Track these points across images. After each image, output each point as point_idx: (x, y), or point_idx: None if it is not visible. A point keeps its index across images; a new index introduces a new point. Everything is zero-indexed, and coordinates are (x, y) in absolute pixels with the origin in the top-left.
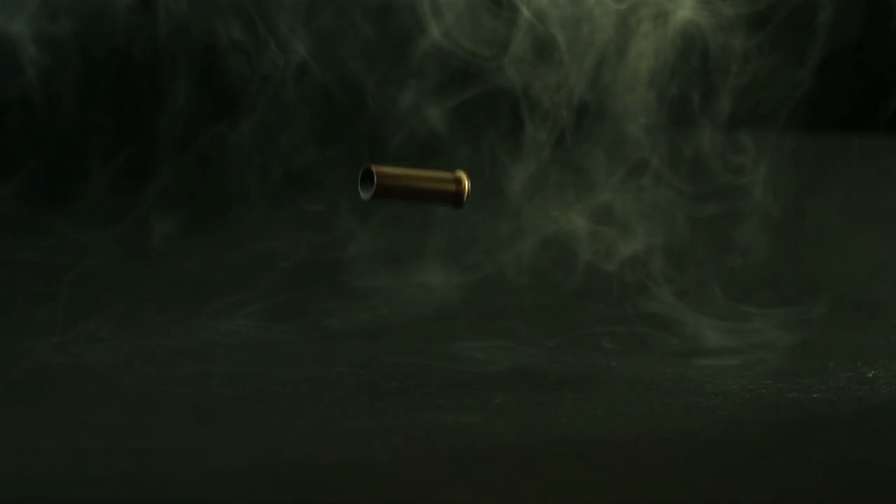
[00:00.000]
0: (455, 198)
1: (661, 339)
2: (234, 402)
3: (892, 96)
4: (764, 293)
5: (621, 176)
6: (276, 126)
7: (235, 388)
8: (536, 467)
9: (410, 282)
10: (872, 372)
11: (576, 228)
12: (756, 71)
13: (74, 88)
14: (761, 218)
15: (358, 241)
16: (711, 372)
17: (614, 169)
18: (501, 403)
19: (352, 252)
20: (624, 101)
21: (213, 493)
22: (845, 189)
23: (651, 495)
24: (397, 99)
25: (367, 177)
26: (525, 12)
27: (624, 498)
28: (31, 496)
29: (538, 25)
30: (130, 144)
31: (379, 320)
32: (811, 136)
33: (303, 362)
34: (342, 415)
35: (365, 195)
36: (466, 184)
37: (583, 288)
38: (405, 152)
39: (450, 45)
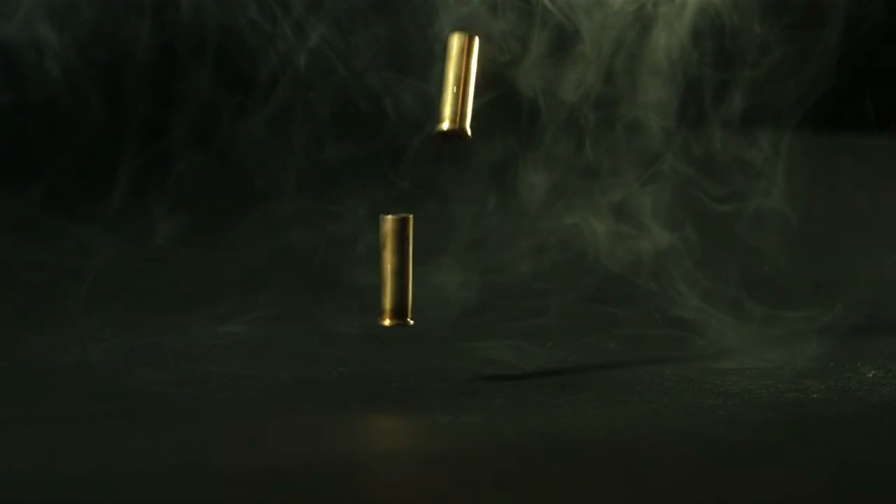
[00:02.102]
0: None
1: (671, 340)
2: (234, 403)
3: None
4: (766, 294)
5: (638, 176)
6: (285, 129)
7: (236, 389)
8: (536, 467)
9: (421, 282)
10: (872, 372)
11: (592, 229)
12: (773, 63)
13: (83, 91)
14: (769, 218)
15: (367, 241)
16: (731, 375)
17: (632, 169)
18: (501, 403)
19: (361, 251)
20: (640, 99)
21: (213, 493)
22: (846, 189)
23: (651, 495)
24: (414, 100)
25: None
26: (542, 8)
27: (624, 498)
28: (32, 496)
29: (552, 21)
30: (135, 146)
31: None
32: (823, 134)
33: (304, 363)
34: (342, 415)
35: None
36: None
37: (595, 289)
38: (423, 153)
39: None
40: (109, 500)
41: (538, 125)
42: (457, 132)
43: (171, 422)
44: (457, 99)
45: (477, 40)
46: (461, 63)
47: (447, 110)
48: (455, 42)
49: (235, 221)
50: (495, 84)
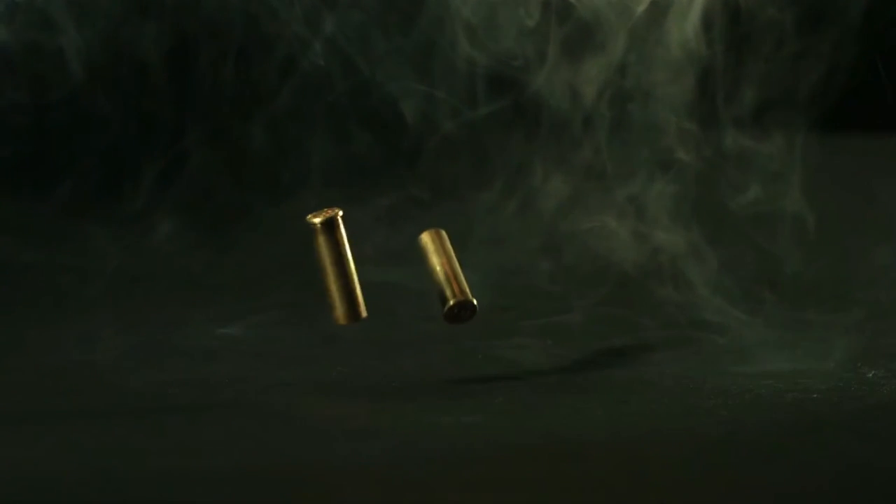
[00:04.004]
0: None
1: (676, 340)
2: (234, 403)
3: None
4: (782, 295)
5: (654, 175)
6: (294, 131)
7: (236, 389)
8: (536, 467)
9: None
10: (872, 372)
11: (607, 230)
12: (789, 56)
13: (96, 91)
14: (784, 218)
15: (372, 241)
16: (731, 375)
17: (647, 168)
18: (501, 404)
19: (366, 251)
20: (656, 97)
21: (213, 493)
22: (846, 189)
23: (651, 495)
24: (432, 103)
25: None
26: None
27: (624, 498)
28: (33, 496)
29: (568, 20)
30: (147, 148)
31: (388, 320)
32: (840, 132)
33: (305, 363)
34: (342, 415)
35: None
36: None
37: (609, 290)
38: (441, 156)
39: (483, 48)
40: (109, 500)
41: (553, 126)
42: (463, 303)
43: (171, 422)
44: (448, 279)
45: (443, 233)
46: (439, 252)
47: (446, 291)
48: (426, 239)
49: (241, 223)
50: (511, 87)
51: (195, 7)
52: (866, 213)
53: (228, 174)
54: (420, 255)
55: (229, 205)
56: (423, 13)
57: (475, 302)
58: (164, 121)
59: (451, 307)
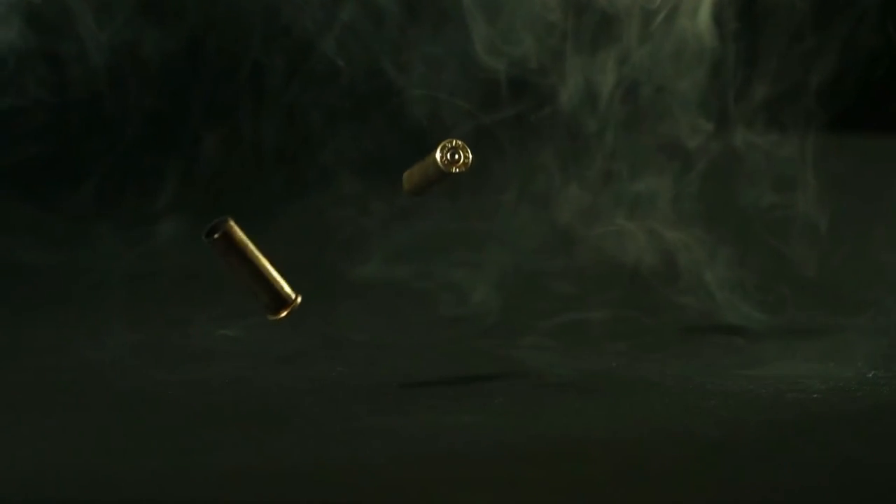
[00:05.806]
0: (277, 304)
1: (681, 341)
2: (234, 403)
3: None
4: (776, 295)
5: (667, 175)
6: (301, 130)
7: (236, 389)
8: (536, 467)
9: (436, 282)
10: (872, 372)
11: (620, 230)
12: (804, 54)
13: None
14: (797, 220)
15: (380, 242)
16: (732, 376)
17: (659, 168)
18: (501, 404)
19: (372, 251)
20: (670, 96)
21: (213, 493)
22: (855, 189)
23: (651, 495)
24: (445, 106)
25: (218, 228)
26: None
27: (624, 498)
28: (31, 496)
29: (581, 23)
30: (153, 149)
31: (390, 320)
32: (855, 132)
33: (305, 363)
34: (342, 415)
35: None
36: (294, 302)
37: (619, 291)
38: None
39: (499, 52)
40: (109, 500)
41: (567, 127)
42: (447, 145)
43: (171, 422)
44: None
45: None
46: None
47: (434, 155)
48: (406, 175)
49: (243, 223)
50: (523, 90)
51: (211, 6)
52: (874, 213)
53: (234, 174)
54: (412, 190)
55: (232, 204)
56: (437, 9)
57: (460, 141)
58: (173, 121)
59: (443, 151)
